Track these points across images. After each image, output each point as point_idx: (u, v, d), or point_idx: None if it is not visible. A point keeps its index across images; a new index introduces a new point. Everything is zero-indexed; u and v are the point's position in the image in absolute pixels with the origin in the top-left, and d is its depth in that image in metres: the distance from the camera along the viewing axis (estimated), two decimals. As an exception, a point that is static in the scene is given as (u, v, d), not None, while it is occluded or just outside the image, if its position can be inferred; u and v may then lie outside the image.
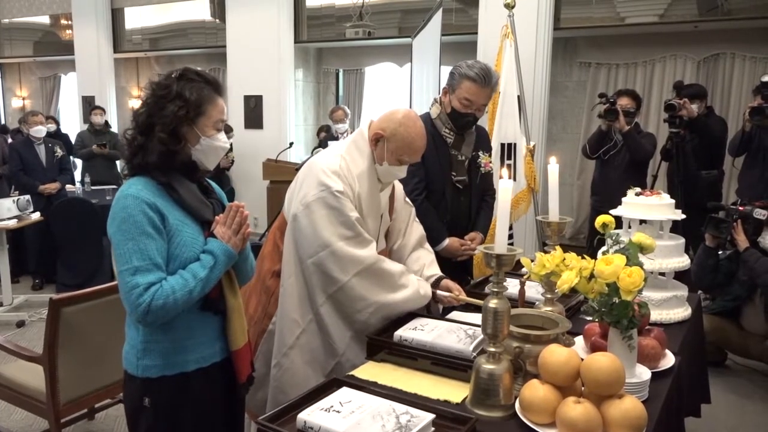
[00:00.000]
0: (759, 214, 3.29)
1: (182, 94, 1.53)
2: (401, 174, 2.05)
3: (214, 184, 1.75)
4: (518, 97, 4.16)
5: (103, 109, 6.67)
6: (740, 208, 3.35)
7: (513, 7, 4.20)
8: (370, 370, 1.72)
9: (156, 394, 1.56)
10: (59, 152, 5.63)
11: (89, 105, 7.56)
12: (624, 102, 4.19)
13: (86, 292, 2.44)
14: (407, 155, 1.99)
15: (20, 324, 4.49)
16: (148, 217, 1.47)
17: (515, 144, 4.09)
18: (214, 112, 1.59)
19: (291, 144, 6.38)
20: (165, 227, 1.50)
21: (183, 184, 1.57)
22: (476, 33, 5.31)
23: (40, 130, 5.47)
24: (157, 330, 1.54)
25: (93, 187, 5.85)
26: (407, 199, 2.29)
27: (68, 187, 5.78)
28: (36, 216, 4.78)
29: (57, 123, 7.47)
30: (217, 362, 1.64)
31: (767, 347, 3.39)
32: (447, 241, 2.54)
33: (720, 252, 3.48)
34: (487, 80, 2.45)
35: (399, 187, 2.25)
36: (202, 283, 1.50)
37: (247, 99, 6.88)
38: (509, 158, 4.07)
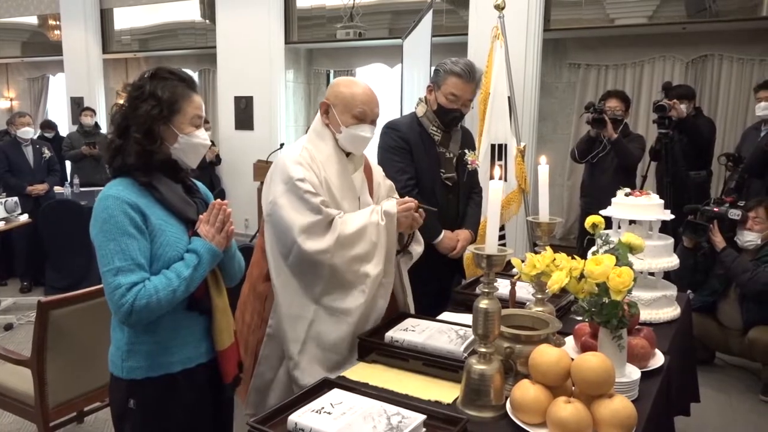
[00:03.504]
0: (733, 214, 3.39)
1: (155, 93, 1.53)
2: (367, 133, 2.01)
3: (199, 184, 1.74)
4: (508, 98, 4.18)
5: (93, 111, 6.63)
6: (715, 209, 3.42)
7: (503, 8, 4.22)
8: (361, 372, 1.72)
9: (141, 396, 1.55)
10: (47, 153, 5.60)
11: (78, 106, 7.50)
12: (612, 104, 4.21)
13: (75, 294, 2.41)
14: (358, 107, 1.98)
15: (8, 327, 4.45)
16: (130, 218, 1.46)
17: (506, 145, 4.11)
18: (190, 108, 1.58)
19: (282, 145, 6.36)
20: (147, 227, 1.49)
21: (165, 183, 1.56)
22: (467, 34, 5.32)
23: (27, 132, 5.44)
24: (142, 331, 1.53)
25: (82, 189, 5.80)
26: (387, 179, 2.27)
27: (56, 188, 5.73)
28: (24, 218, 4.74)
29: (55, 129, 7.33)
30: (203, 363, 1.63)
31: (746, 343, 3.42)
32: (443, 234, 2.54)
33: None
34: (471, 75, 2.50)
35: (377, 170, 2.22)
36: (186, 282, 1.49)
37: (238, 100, 6.86)
38: (500, 159, 4.08)
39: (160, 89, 1.54)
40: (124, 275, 1.44)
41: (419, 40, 4.73)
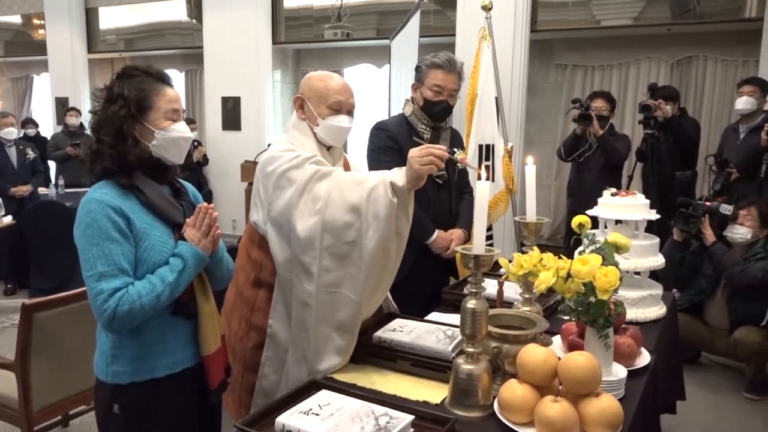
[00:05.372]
0: (725, 209, 3.43)
1: (122, 93, 1.51)
2: (344, 123, 1.97)
3: (189, 186, 1.72)
4: (496, 98, 4.19)
5: (78, 111, 6.57)
6: (707, 204, 3.46)
7: (490, 9, 4.23)
8: (349, 372, 1.71)
9: (125, 401, 1.54)
10: (31, 154, 5.54)
11: (63, 106, 7.42)
12: (598, 104, 4.24)
13: (60, 296, 2.38)
14: (333, 97, 1.95)
15: (-8, 330, 4.41)
16: (113, 222, 1.44)
17: (493, 145, 4.12)
18: (162, 102, 1.55)
19: (269, 146, 6.33)
20: (132, 231, 1.47)
21: (149, 185, 1.54)
22: (454, 35, 5.34)
23: (10, 132, 5.37)
24: (127, 336, 1.51)
25: (67, 190, 5.75)
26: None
27: (41, 189, 5.68)
28: (8, 219, 4.68)
29: (36, 126, 7.27)
30: (189, 368, 1.61)
31: (731, 343, 3.46)
32: (436, 234, 2.52)
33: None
34: (452, 65, 2.54)
35: (355, 167, 2.20)
36: (170, 287, 1.47)
37: (225, 100, 6.83)
38: (487, 159, 4.09)
39: (127, 88, 1.52)
40: (106, 280, 1.42)
41: (407, 41, 4.73)
